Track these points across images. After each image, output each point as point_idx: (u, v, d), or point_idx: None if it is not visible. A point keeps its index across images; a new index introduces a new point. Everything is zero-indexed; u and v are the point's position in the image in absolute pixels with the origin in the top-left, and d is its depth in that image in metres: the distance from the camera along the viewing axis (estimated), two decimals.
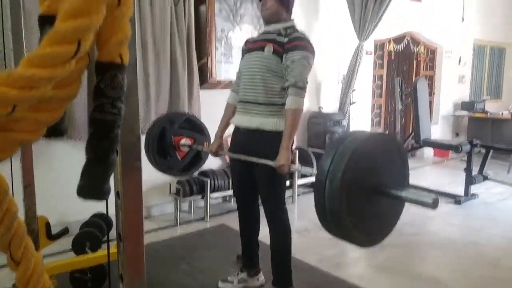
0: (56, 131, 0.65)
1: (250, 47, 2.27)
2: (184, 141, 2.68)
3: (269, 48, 2.11)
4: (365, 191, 1.44)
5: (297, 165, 3.61)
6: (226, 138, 2.52)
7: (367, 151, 1.45)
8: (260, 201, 2.34)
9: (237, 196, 2.50)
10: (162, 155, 2.66)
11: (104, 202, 0.98)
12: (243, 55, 2.34)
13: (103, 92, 0.58)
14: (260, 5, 2.22)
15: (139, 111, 1.00)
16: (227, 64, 4.23)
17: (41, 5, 0.69)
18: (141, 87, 3.55)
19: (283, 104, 2.11)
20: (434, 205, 1.37)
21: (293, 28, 2.16)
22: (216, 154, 2.44)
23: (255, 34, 4.37)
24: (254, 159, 2.12)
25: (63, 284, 2.38)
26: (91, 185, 0.58)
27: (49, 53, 0.50)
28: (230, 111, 2.40)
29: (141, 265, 0.95)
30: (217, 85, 4.06)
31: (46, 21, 0.60)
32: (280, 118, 2.13)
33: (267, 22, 2.22)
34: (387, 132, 6.32)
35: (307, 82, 2.09)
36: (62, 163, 3.22)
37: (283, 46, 2.07)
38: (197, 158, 2.71)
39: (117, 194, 0.97)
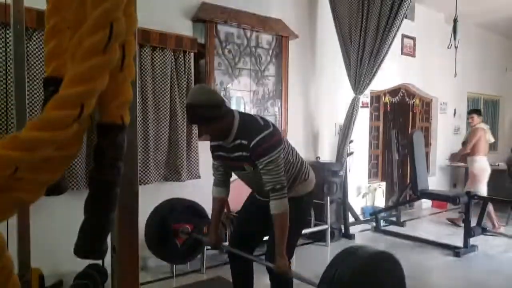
0: (57, 189, 0.69)
1: (228, 165, 2.25)
2: (183, 228, 2.73)
3: (249, 167, 2.13)
4: None
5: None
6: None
7: (367, 272, 1.58)
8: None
9: (236, 244, 2.41)
10: (163, 245, 2.71)
11: None
12: (215, 158, 2.31)
13: (104, 153, 0.62)
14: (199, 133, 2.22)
15: (137, 163, 1.04)
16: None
17: (47, 67, 0.76)
18: (140, 138, 3.62)
19: (294, 176, 2.23)
20: None
21: (244, 131, 2.06)
22: (216, 248, 2.51)
23: (253, 86, 4.54)
24: (255, 259, 2.27)
25: None
26: (88, 245, 0.61)
27: (53, 117, 0.55)
28: (220, 204, 2.39)
29: None
30: None
31: (51, 83, 0.66)
32: (299, 185, 2.26)
33: (222, 139, 2.15)
34: (385, 186, 6.33)
35: (284, 180, 2.05)
36: (58, 213, 3.21)
37: (252, 159, 2.06)
38: (197, 243, 2.76)
39: (113, 249, 0.99)
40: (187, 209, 2.81)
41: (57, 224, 3.21)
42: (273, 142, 2.03)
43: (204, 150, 4.03)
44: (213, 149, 2.27)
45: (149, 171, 3.64)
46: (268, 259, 2.21)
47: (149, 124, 3.66)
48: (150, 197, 3.73)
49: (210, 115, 1.98)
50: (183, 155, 3.83)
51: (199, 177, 3.94)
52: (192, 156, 3.93)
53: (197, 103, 1.97)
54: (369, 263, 1.58)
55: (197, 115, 2.00)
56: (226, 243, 2.50)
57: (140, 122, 3.61)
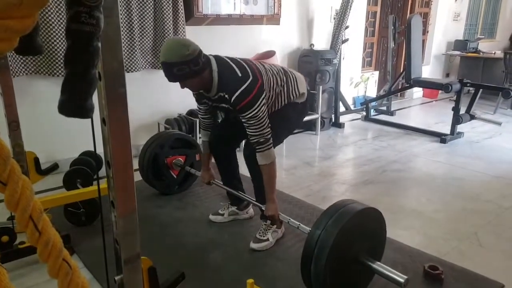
0: (31, 48, 0.61)
1: (215, 110, 2.31)
2: (176, 160, 2.92)
3: (235, 115, 2.08)
4: (346, 262, 1.70)
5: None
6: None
7: (353, 227, 1.67)
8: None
9: (217, 145, 2.44)
10: (158, 178, 2.92)
11: (92, 141, 0.96)
12: (201, 103, 2.28)
13: (79, 0, 0.53)
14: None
15: (122, 49, 0.95)
16: None
17: None
18: (124, 23, 3.38)
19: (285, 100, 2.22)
20: (404, 285, 1.59)
21: (224, 83, 2.00)
22: (209, 183, 2.55)
23: None
24: (246, 197, 2.34)
25: (58, 218, 2.43)
26: (72, 101, 0.55)
27: None
28: (209, 147, 2.43)
29: (131, 190, 0.95)
30: (204, 20, 3.88)
31: None
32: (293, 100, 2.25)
33: (205, 92, 2.10)
34: (378, 75, 6.25)
35: (267, 132, 2.01)
36: (47, 101, 3.14)
37: (234, 110, 2.01)
38: (190, 172, 2.93)
39: (103, 121, 0.95)
40: (177, 142, 2.96)
41: (49, 112, 3.16)
42: (254, 94, 1.96)
43: (191, 34, 3.83)
44: (198, 97, 2.23)
45: (135, 58, 3.49)
46: (257, 201, 2.29)
47: (133, 9, 3.39)
48: (139, 85, 3.67)
49: (187, 72, 1.88)
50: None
51: None
52: None
53: (172, 60, 1.85)
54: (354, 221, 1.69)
55: (173, 73, 1.89)
56: (219, 181, 2.56)
57: (123, 7, 3.33)
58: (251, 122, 1.98)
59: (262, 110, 1.99)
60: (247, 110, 1.95)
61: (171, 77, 1.93)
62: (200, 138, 2.53)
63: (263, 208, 2.18)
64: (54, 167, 2.32)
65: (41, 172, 2.19)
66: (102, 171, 1.26)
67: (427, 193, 3.13)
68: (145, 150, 2.87)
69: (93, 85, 0.56)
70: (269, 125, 2.02)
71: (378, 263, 1.71)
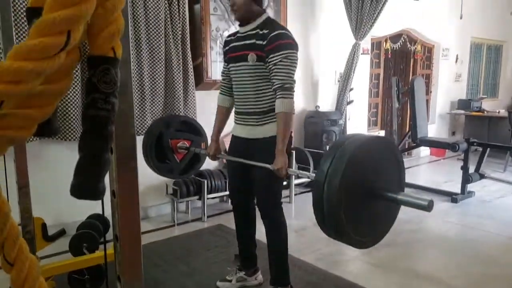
0: (48, 130, 0.64)
1: (232, 56, 2.22)
2: (182, 143, 2.73)
3: (252, 57, 2.08)
4: (362, 194, 1.48)
5: (294, 167, 3.60)
6: (223, 139, 2.51)
7: (365, 155, 1.49)
8: (255, 201, 2.33)
9: (233, 197, 2.48)
10: (161, 159, 2.72)
11: (100, 203, 0.97)
12: (225, 60, 2.33)
13: (96, 87, 0.57)
14: (229, 6, 2.18)
15: (134, 113, 0.99)
16: (222, 63, 4.20)
17: None
18: (136, 88, 3.53)
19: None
20: (429, 207, 1.42)
21: (269, 24, 2.08)
22: (214, 157, 2.45)
23: None
24: (252, 162, 2.13)
25: (62, 285, 2.36)
26: (85, 184, 0.57)
27: (37, 45, 0.48)
28: (222, 113, 2.42)
29: (139, 265, 0.94)
30: (213, 85, 4.04)
31: (34, 14, 0.59)
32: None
33: (241, 23, 2.17)
34: (384, 135, 6.32)
35: (294, 81, 2.05)
36: (57, 164, 3.19)
37: (264, 49, 2.03)
38: (196, 159, 2.75)
39: (112, 194, 0.96)
40: (183, 125, 2.77)
41: (58, 175, 3.20)
42: (292, 42, 2.04)
43: (201, 100, 3.97)
44: (226, 43, 2.29)
45: (146, 121, 3.59)
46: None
47: (144, 74, 3.56)
48: None
49: None
50: (180, 105, 3.76)
51: None
52: (190, 106, 3.86)
53: None
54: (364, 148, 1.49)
55: None
56: (224, 154, 2.46)
57: (135, 72, 3.50)
58: (284, 62, 1.99)
59: (295, 59, 2.03)
60: (285, 49, 1.99)
61: None
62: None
63: (272, 166, 2.02)
64: (61, 233, 2.30)
65: (48, 239, 2.17)
66: (110, 234, 1.25)
67: (443, 257, 3.01)
68: (150, 130, 2.70)
69: (105, 168, 0.57)
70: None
71: (402, 193, 1.50)
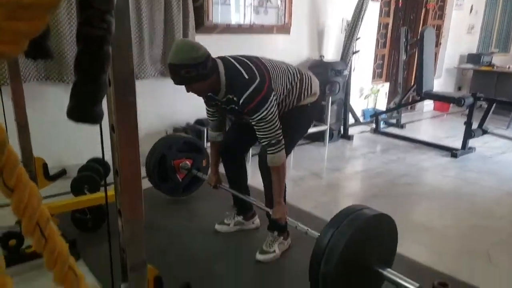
0: (41, 51, 0.60)
1: (226, 112, 2.20)
2: (184, 163, 2.91)
3: (246, 118, 2.04)
4: (356, 267, 1.65)
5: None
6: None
7: (364, 233, 1.64)
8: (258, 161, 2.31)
9: (227, 147, 2.40)
10: (164, 179, 2.91)
11: (100, 146, 0.95)
12: (211, 105, 2.24)
13: (90, 4, 0.52)
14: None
15: (133, 56, 0.94)
16: (224, 6, 4.04)
17: None
18: (134, 30, 3.41)
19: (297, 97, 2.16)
20: None
21: (231, 86, 1.96)
22: (216, 188, 2.51)
23: None
24: (253, 201, 2.32)
25: (65, 223, 2.42)
26: (81, 107, 0.54)
27: None
28: (216, 148, 2.40)
29: (139, 200, 0.94)
30: (214, 29, 3.90)
31: None
32: (304, 100, 2.19)
33: (213, 94, 2.06)
34: (388, 88, 6.21)
35: (278, 130, 1.97)
36: (56, 107, 3.17)
37: (243, 112, 1.98)
38: (197, 176, 2.92)
39: (112, 128, 0.94)
40: (185, 145, 2.95)
41: (57, 118, 3.19)
42: (262, 95, 1.92)
43: (201, 43, 3.84)
44: (207, 100, 2.19)
45: (145, 66, 3.51)
46: (267, 205, 2.26)
47: (143, 15, 3.42)
48: (148, 92, 3.68)
49: (195, 75, 1.85)
50: None
51: None
52: None
53: (180, 62, 1.82)
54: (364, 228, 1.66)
55: (181, 75, 1.84)
56: (226, 185, 2.53)
57: (133, 12, 3.37)
58: (261, 124, 1.94)
59: (272, 112, 1.94)
60: (256, 112, 1.92)
61: (178, 79, 1.88)
62: (208, 144, 2.50)
63: (271, 213, 2.15)
64: (62, 173, 2.33)
65: (49, 178, 2.20)
66: (110, 178, 1.25)
67: (438, 208, 3.07)
68: (153, 151, 2.84)
69: (102, 90, 0.55)
70: (280, 126, 1.98)
71: (389, 270, 1.66)
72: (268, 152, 1.99)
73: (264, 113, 1.91)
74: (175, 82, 1.92)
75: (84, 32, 0.53)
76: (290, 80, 2.12)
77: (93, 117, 0.55)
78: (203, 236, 2.50)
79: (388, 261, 1.82)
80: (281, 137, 1.98)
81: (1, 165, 0.70)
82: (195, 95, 2.03)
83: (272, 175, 2.07)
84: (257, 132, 1.98)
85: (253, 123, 1.96)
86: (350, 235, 1.56)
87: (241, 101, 1.93)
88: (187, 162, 2.93)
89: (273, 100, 1.95)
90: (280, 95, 2.08)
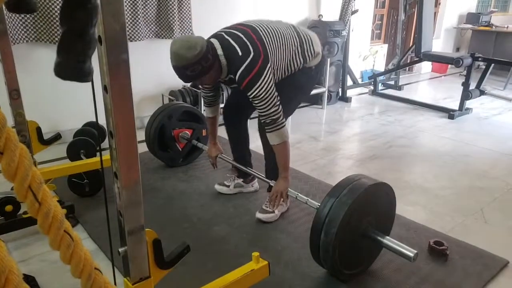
0: (24, 4, 0.56)
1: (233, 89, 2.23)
2: (183, 133, 2.89)
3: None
4: (355, 236, 1.69)
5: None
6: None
7: (363, 202, 1.65)
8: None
9: (228, 112, 2.41)
10: (164, 149, 2.90)
11: (93, 110, 0.92)
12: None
13: None
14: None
15: (125, 15, 0.89)
16: None
17: None
18: None
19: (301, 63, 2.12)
20: (414, 259, 1.60)
21: (229, 64, 1.94)
22: (215, 159, 2.49)
23: None
24: (253, 172, 2.31)
25: (62, 188, 2.42)
26: (69, 63, 0.51)
27: None
28: (212, 123, 2.40)
29: (135, 161, 0.92)
30: None
31: None
32: (309, 63, 2.15)
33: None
34: (387, 49, 6.10)
35: (277, 107, 1.92)
36: (48, 69, 3.05)
37: (242, 89, 1.95)
38: (196, 147, 2.90)
39: (104, 89, 0.90)
40: (185, 115, 2.92)
41: (49, 81, 3.11)
42: (256, 70, 1.87)
43: (196, 3, 3.72)
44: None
45: (139, 27, 3.40)
46: (267, 176, 2.26)
47: None
48: (142, 54, 3.59)
49: (200, 70, 1.84)
50: (174, 9, 3.53)
51: (192, 32, 3.71)
52: (185, 11, 3.63)
53: (182, 64, 1.80)
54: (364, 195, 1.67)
55: (187, 74, 1.85)
56: (226, 156, 2.51)
57: None
58: (256, 101, 1.91)
59: (267, 88, 1.89)
60: (251, 88, 1.88)
61: (186, 79, 1.91)
62: (204, 108, 2.46)
63: (272, 184, 2.15)
64: (56, 137, 2.29)
65: (43, 142, 2.16)
66: (106, 143, 1.23)
67: (434, 170, 3.09)
68: (152, 120, 2.83)
69: (91, 45, 0.51)
70: (278, 102, 1.93)
71: (388, 237, 1.70)
72: (267, 130, 1.97)
73: (259, 89, 1.88)
74: (185, 81, 1.97)
75: None
76: (290, 47, 2.05)
77: (82, 74, 0.51)
78: (202, 199, 2.51)
79: (386, 228, 1.85)
80: (279, 114, 1.93)
81: None
82: None
83: (275, 153, 2.03)
84: (256, 108, 1.96)
85: (251, 97, 1.93)
86: (349, 205, 1.57)
87: (237, 78, 1.91)
88: (187, 131, 2.91)
89: (269, 75, 1.90)
90: (280, 65, 2.02)
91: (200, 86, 2.31)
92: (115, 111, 0.85)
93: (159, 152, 2.88)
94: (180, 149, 2.94)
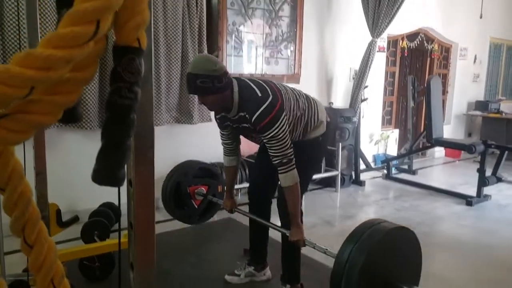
0: (72, 116, 0.64)
1: (239, 132, 2.22)
2: (199, 189, 2.89)
3: (258, 137, 2.10)
4: (377, 284, 1.55)
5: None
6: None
7: (385, 247, 1.55)
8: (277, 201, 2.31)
9: (253, 192, 2.46)
10: (180, 206, 2.88)
11: (112, 192, 0.98)
12: (223, 127, 2.26)
13: (121, 76, 0.57)
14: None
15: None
16: (237, 58, 4.22)
17: None
18: (153, 83, 3.55)
19: (304, 126, 2.18)
20: None
21: (244, 104, 2.00)
22: (231, 211, 2.52)
23: (266, 29, 4.35)
24: (272, 226, 2.26)
25: (72, 271, 2.40)
26: (106, 170, 0.57)
27: (68, 33, 0.49)
28: (230, 173, 2.43)
29: (152, 255, 0.94)
30: None
31: (64, 4, 0.59)
32: (312, 131, 2.22)
33: (224, 112, 2.11)
34: (398, 134, 6.25)
35: (289, 150, 1.98)
36: (72, 152, 3.24)
37: (255, 130, 2.02)
38: (212, 203, 2.90)
39: (129, 182, 0.96)
40: (201, 171, 2.93)
41: (73, 163, 3.25)
42: (274, 114, 1.95)
43: None
44: (220, 120, 2.22)
45: (161, 113, 3.61)
46: (283, 226, 2.23)
47: (161, 67, 3.58)
48: (163, 138, 3.76)
49: (210, 87, 1.89)
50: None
51: (210, 120, 3.91)
52: None
53: (198, 72, 1.89)
54: (386, 240, 1.58)
55: (196, 84, 1.89)
56: (240, 207, 2.53)
57: (152, 68, 3.52)
58: (272, 142, 1.95)
59: (283, 130, 1.96)
60: (268, 129, 1.93)
61: (193, 88, 1.93)
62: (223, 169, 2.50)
63: (288, 235, 2.10)
64: (74, 220, 2.34)
65: (61, 225, 2.21)
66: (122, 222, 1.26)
67: (455, 260, 2.97)
68: (169, 178, 2.83)
69: (126, 155, 0.58)
70: (291, 146, 1.99)
71: (415, 287, 1.57)
72: (280, 171, 2.00)
73: (276, 130, 1.94)
74: (189, 91, 1.99)
75: (113, 101, 0.57)
76: (300, 106, 2.15)
77: (117, 180, 0.57)
78: (213, 287, 2.44)
79: (414, 278, 1.71)
80: (292, 156, 1.99)
81: (24, 221, 0.73)
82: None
83: (287, 197, 2.04)
84: (269, 151, 1.99)
85: (264, 141, 1.98)
86: (369, 250, 1.47)
87: (253, 118, 1.95)
88: (203, 188, 2.89)
89: (285, 119, 1.98)
90: (289, 119, 2.09)
91: (220, 134, 2.31)
92: (137, 206, 0.90)
93: (175, 210, 2.85)
94: (196, 206, 2.90)
